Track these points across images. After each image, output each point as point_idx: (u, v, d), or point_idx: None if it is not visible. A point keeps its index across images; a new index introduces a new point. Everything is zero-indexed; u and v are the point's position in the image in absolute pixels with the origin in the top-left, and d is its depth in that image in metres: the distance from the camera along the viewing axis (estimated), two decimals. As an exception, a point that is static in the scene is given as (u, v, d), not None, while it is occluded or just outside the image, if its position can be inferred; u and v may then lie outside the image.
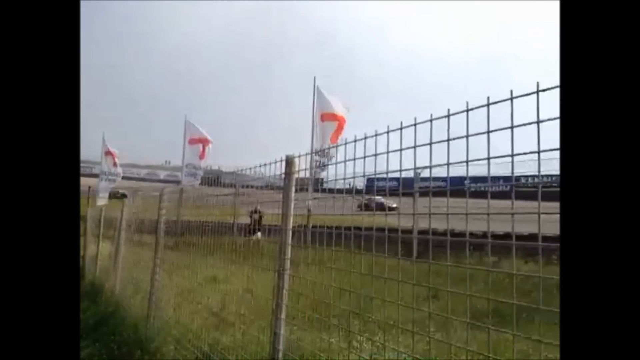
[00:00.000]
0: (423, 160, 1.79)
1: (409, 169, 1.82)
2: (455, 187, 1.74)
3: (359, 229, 2.15)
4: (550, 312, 1.47)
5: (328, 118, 12.32)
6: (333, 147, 10.25)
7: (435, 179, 2.12)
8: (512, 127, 1.36)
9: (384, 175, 1.99)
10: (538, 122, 1.29)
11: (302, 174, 2.80)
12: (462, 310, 1.84)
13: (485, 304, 1.77)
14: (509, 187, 1.41)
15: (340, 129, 12.28)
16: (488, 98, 1.44)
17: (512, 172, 1.39)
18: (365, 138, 2.12)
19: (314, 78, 12.98)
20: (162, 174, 68.88)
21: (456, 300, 1.94)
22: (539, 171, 1.32)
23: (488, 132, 1.44)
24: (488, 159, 1.44)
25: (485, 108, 1.47)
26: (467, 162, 1.52)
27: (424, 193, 1.94)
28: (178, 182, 18.63)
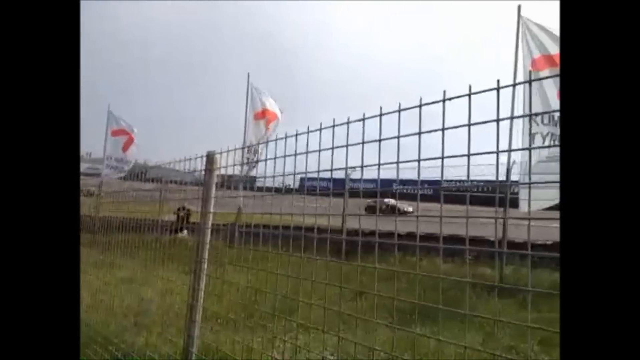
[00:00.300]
0: (354, 161, 1.80)
1: (326, 170, 1.84)
2: (367, 189, 1.79)
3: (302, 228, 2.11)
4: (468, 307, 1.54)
5: (261, 116, 12.21)
6: (254, 145, 10.00)
7: (366, 180, 2.16)
8: (419, 133, 1.42)
9: (321, 175, 1.98)
10: (443, 129, 1.35)
11: (229, 171, 2.72)
12: (384, 308, 1.89)
13: (406, 303, 1.81)
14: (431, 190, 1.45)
15: (270, 124, 12.22)
16: (399, 104, 1.50)
17: (419, 176, 1.45)
18: (286, 137, 2.11)
19: (248, 74, 12.79)
20: (83, 167, 64.58)
21: (378, 299, 1.97)
22: (441, 176, 1.38)
23: (398, 136, 1.50)
24: (397, 162, 1.50)
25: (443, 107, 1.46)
26: (379, 165, 1.57)
27: (353, 194, 1.96)
28: (99, 175, 17.49)
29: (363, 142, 1.65)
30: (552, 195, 6.74)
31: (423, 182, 1.49)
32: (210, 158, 2.58)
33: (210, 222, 2.57)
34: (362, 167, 1.65)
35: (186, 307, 2.57)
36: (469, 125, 1.28)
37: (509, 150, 1.26)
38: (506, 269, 7.31)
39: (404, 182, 1.62)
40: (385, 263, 1.91)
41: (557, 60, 7.61)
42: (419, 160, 1.43)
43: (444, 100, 1.35)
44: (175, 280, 3.20)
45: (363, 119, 1.64)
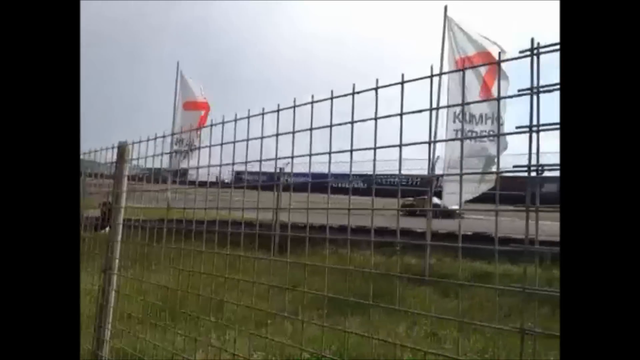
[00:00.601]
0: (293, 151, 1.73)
1: (241, 162, 1.78)
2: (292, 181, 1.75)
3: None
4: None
5: (191, 107, 11.76)
6: (177, 133, 9.47)
7: (298, 174, 2.13)
8: (330, 126, 1.41)
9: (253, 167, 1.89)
10: (352, 122, 1.35)
11: (144, 162, 2.56)
12: (314, 300, 1.86)
13: (335, 295, 1.79)
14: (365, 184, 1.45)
15: (205, 117, 11.81)
16: (312, 96, 1.48)
17: (328, 171, 1.43)
18: (218, 124, 1.99)
19: (177, 63, 12.24)
20: None
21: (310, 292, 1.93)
22: (329, 170, 1.39)
23: (311, 129, 1.48)
24: (310, 155, 1.48)
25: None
26: (310, 156, 1.54)
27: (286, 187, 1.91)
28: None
29: (277, 134, 1.61)
30: (472, 189, 7.16)
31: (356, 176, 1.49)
32: (121, 149, 2.41)
33: (121, 218, 2.40)
34: (275, 159, 1.61)
35: (95, 310, 2.40)
36: (375, 118, 1.29)
37: (408, 144, 1.27)
38: (431, 259, 7.64)
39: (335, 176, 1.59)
40: (317, 256, 1.87)
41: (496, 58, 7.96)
42: (329, 153, 1.42)
43: (353, 94, 1.34)
44: (96, 281, 2.99)
45: (278, 110, 1.60)
